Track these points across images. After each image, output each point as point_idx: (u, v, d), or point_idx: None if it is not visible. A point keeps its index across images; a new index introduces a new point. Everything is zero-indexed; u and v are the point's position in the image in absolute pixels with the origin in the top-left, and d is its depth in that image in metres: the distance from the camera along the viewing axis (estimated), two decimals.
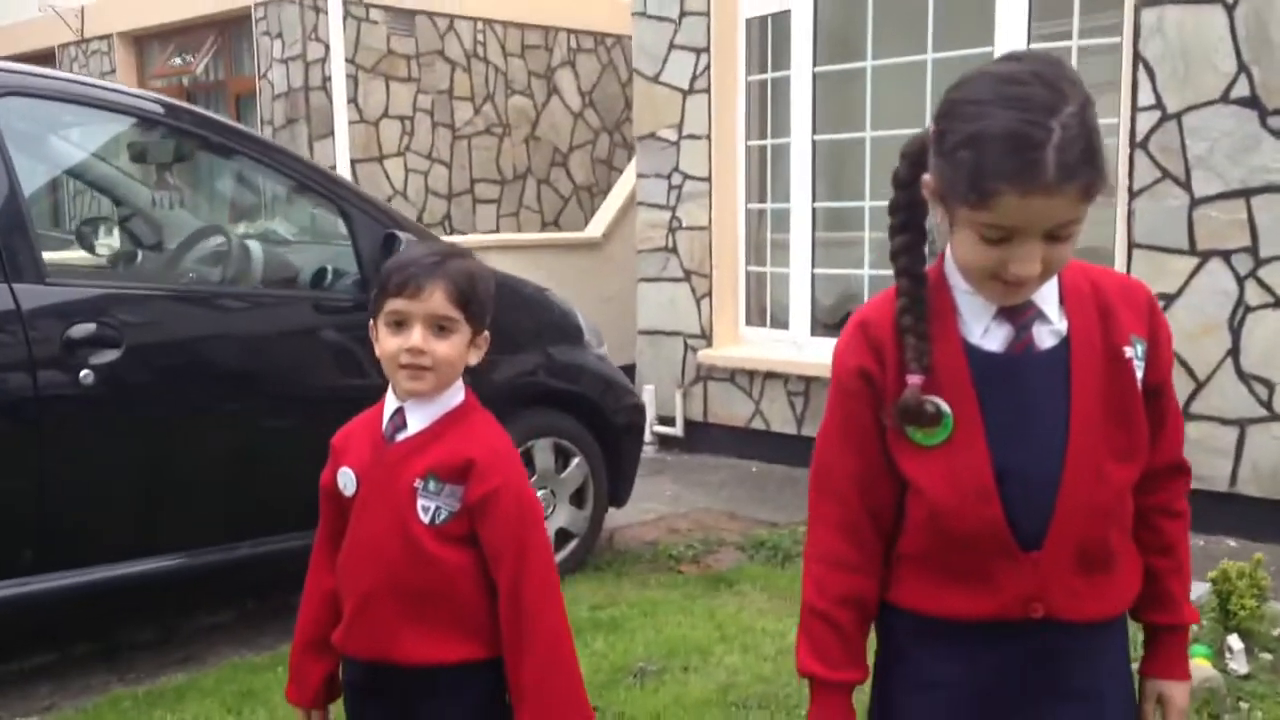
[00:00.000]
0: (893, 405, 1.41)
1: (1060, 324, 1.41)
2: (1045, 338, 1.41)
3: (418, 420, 1.79)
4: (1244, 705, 3.05)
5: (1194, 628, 3.44)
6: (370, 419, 1.86)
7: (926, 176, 1.37)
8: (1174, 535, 1.55)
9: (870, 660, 1.55)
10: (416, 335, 1.72)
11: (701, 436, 6.60)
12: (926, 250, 1.45)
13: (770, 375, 6.18)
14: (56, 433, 3.15)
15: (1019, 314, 1.40)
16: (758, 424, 6.28)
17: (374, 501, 1.79)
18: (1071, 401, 1.39)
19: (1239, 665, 3.25)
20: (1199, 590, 3.65)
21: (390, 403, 1.82)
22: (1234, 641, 3.28)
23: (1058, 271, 1.36)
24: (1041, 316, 1.40)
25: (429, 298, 1.72)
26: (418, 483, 1.76)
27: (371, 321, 1.80)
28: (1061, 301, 1.42)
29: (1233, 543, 4.56)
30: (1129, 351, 1.42)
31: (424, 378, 1.75)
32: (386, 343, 1.75)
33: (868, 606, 1.50)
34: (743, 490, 5.69)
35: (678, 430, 6.67)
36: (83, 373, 3.14)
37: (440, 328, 1.74)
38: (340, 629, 1.85)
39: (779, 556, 4.48)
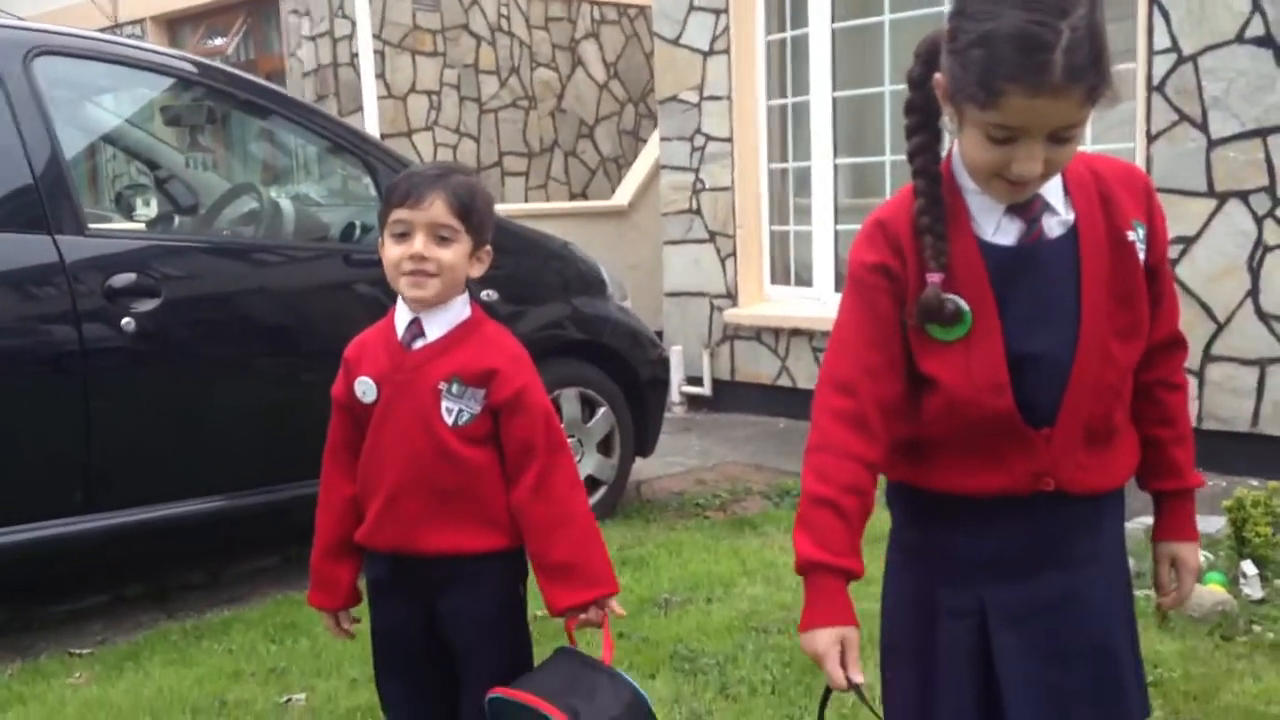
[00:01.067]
0: (914, 303, 1.45)
1: (1067, 214, 1.46)
2: (1054, 228, 1.45)
3: (436, 328, 1.90)
4: (1257, 628, 3.10)
5: (1209, 555, 3.55)
6: (383, 330, 1.95)
7: (938, 75, 1.40)
8: (1175, 406, 1.61)
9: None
10: (419, 242, 1.82)
11: (729, 395, 6.69)
12: (942, 150, 1.48)
13: (795, 333, 6.25)
14: (100, 378, 3.28)
15: (1028, 209, 1.44)
16: (784, 381, 6.35)
17: (397, 405, 1.89)
18: (1082, 286, 1.44)
19: (1253, 590, 3.30)
20: (1217, 523, 3.70)
21: (402, 313, 1.92)
22: (1248, 567, 3.34)
23: (1059, 171, 1.40)
24: (1049, 208, 1.45)
25: (430, 207, 1.82)
26: (441, 385, 1.86)
27: (380, 238, 1.91)
28: (1066, 192, 1.46)
29: (1255, 482, 4.56)
30: (1131, 235, 1.47)
31: (426, 284, 1.85)
32: (391, 251, 1.86)
33: (868, 499, 1.51)
34: (770, 445, 5.78)
35: (706, 390, 6.76)
36: (124, 320, 3.27)
37: (442, 237, 1.84)
38: (365, 526, 1.94)
39: None
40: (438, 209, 1.83)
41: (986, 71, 1.30)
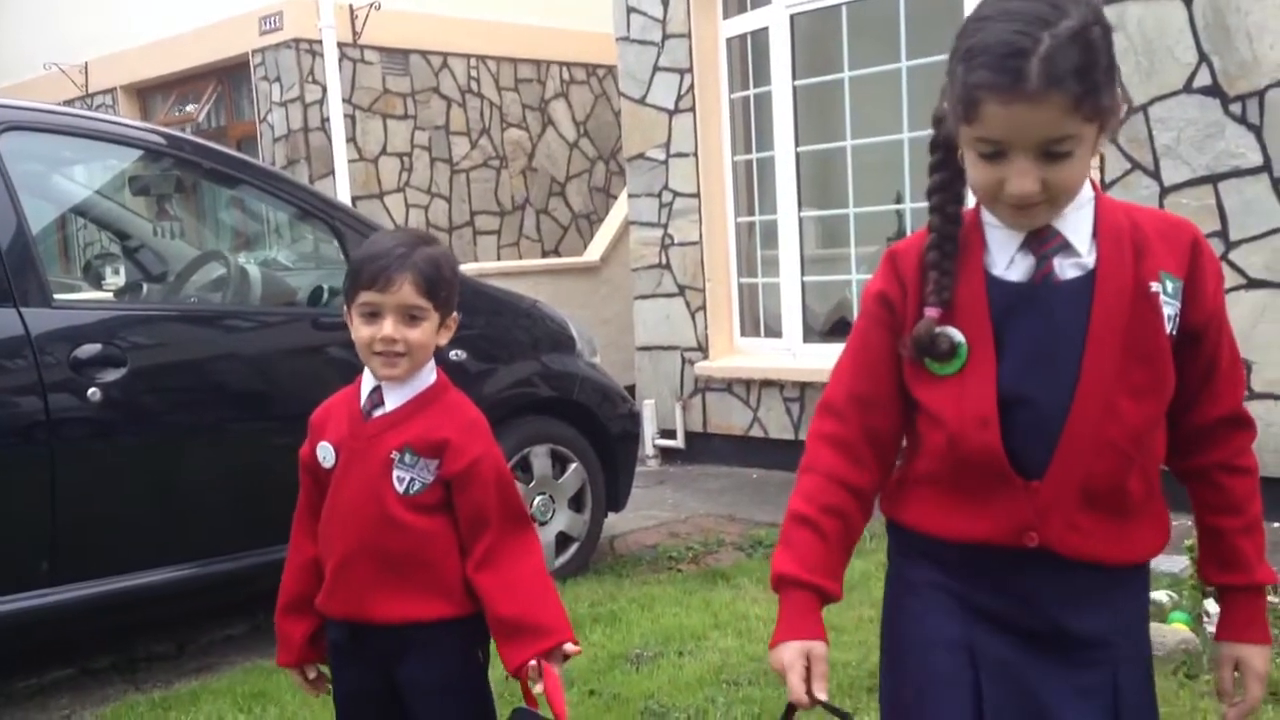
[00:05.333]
0: (909, 336, 1.43)
1: (1089, 257, 1.38)
2: (1068, 270, 1.39)
3: (395, 398, 1.92)
4: None
5: (1172, 594, 3.58)
6: (348, 397, 1.98)
7: (945, 105, 1.36)
8: (1241, 492, 1.49)
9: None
10: (389, 325, 1.85)
11: (702, 447, 6.72)
12: (964, 188, 1.45)
13: (766, 383, 6.30)
14: (66, 448, 3.28)
15: (1042, 243, 1.38)
16: (756, 432, 6.39)
17: (351, 472, 1.92)
18: (1089, 333, 1.36)
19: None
20: (1180, 563, 3.74)
21: (367, 382, 1.95)
22: (1211, 606, 3.37)
23: (1063, 195, 1.33)
24: (1068, 248, 1.38)
25: (399, 290, 1.84)
26: (394, 455, 1.89)
27: (346, 308, 1.94)
28: (1095, 237, 1.39)
29: None
30: (1155, 287, 1.38)
31: (398, 364, 1.88)
32: (361, 331, 1.88)
33: (852, 525, 1.47)
34: (743, 495, 5.80)
35: (679, 442, 6.79)
36: (90, 390, 3.28)
37: (411, 316, 1.86)
38: (322, 592, 1.97)
39: None
40: (406, 291, 1.84)
41: (966, 85, 1.28)
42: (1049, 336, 1.38)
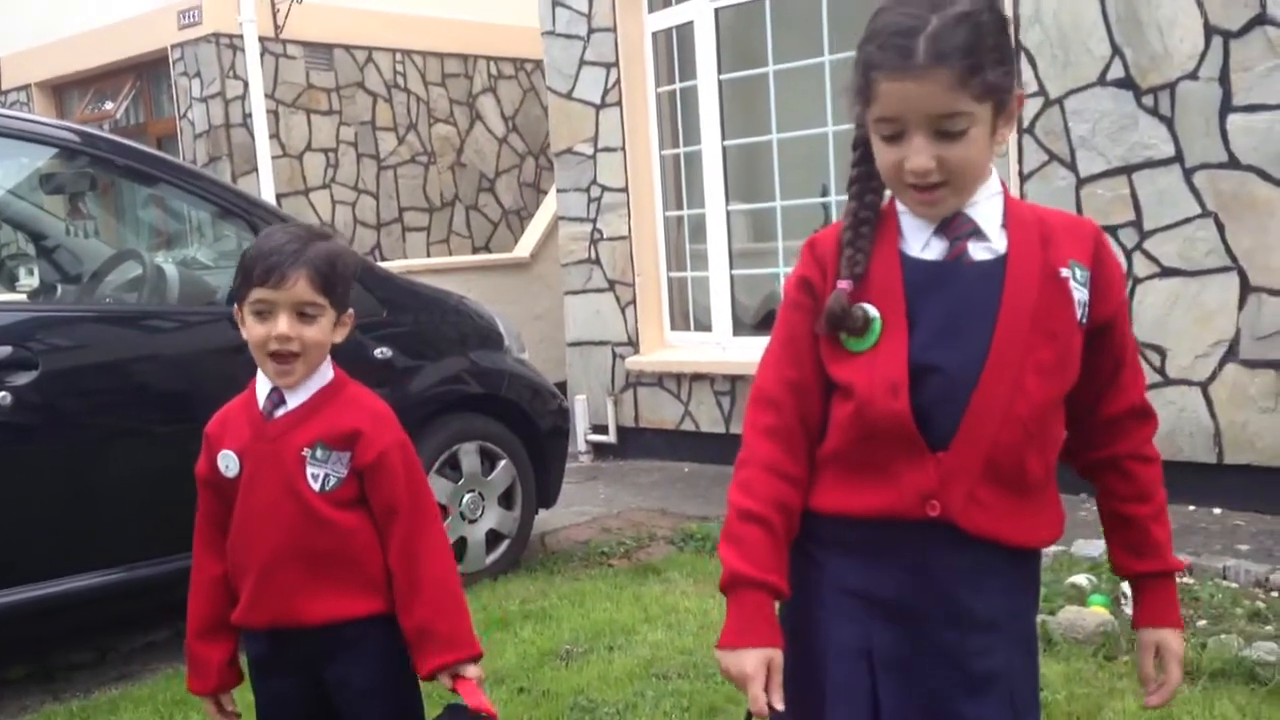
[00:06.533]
0: (823, 310, 1.45)
1: (999, 244, 1.43)
2: (980, 252, 1.43)
3: (296, 396, 1.88)
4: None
5: (1091, 578, 3.66)
6: (245, 401, 1.92)
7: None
8: (1149, 480, 1.55)
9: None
10: (283, 323, 1.80)
11: (634, 442, 6.73)
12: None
13: (697, 377, 6.32)
14: None
15: (954, 228, 1.44)
16: (688, 425, 6.41)
17: (261, 475, 1.87)
18: (1000, 310, 1.41)
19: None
20: (1099, 546, 3.82)
21: (263, 384, 1.89)
22: (1129, 588, 3.44)
23: (962, 178, 1.38)
24: (978, 234, 1.43)
25: (293, 286, 1.79)
26: (305, 451, 1.85)
27: (236, 306, 1.87)
28: (1004, 226, 1.45)
29: None
30: (1065, 272, 1.43)
31: (294, 369, 1.83)
32: (254, 330, 1.82)
33: (793, 516, 1.48)
34: (675, 489, 5.82)
35: (611, 437, 6.78)
36: (0, 394, 3.19)
37: (305, 314, 1.81)
38: (241, 605, 1.91)
39: (708, 546, 4.59)
40: (300, 288, 1.80)
41: (862, 68, 1.36)
42: (961, 310, 1.42)
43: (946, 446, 1.41)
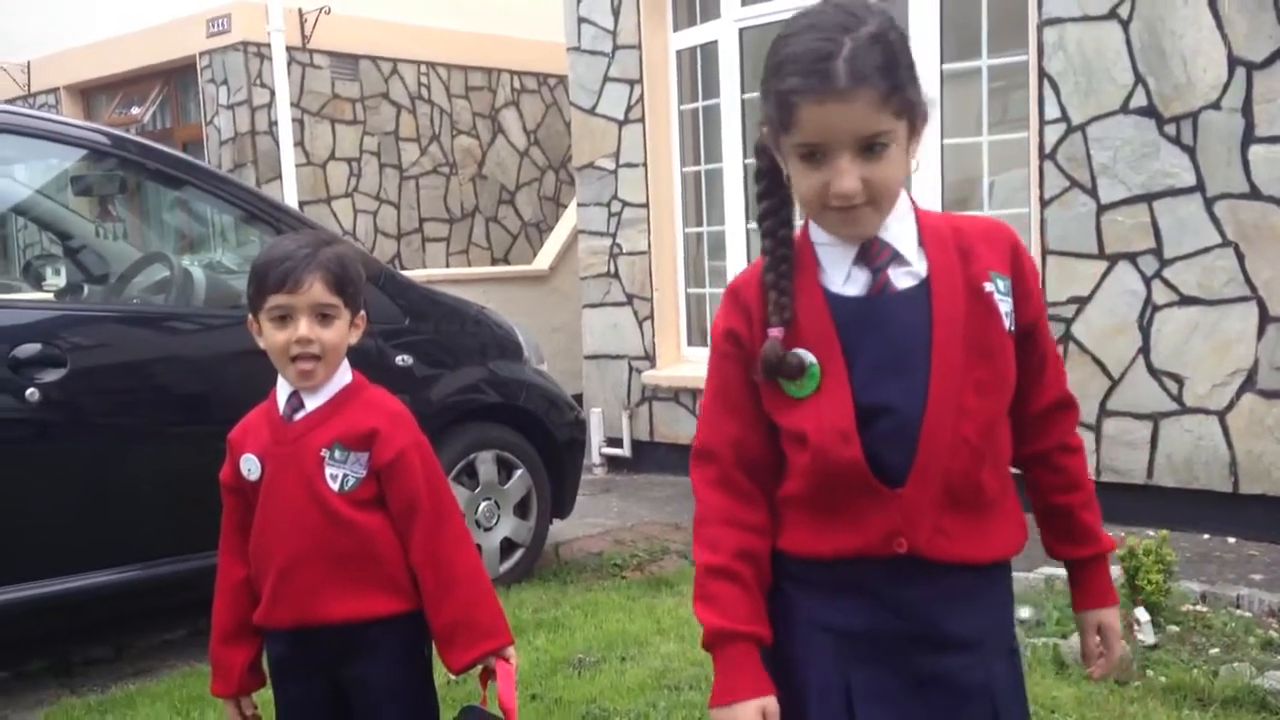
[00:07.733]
0: (758, 360, 1.44)
1: (919, 265, 1.43)
2: (902, 279, 1.43)
3: (315, 399, 1.92)
4: (1150, 672, 3.19)
5: None
6: (265, 410, 1.97)
7: (764, 129, 1.43)
8: (1077, 469, 1.59)
9: None
10: (303, 326, 1.84)
11: (649, 456, 6.75)
12: (792, 213, 1.48)
13: None
14: (3, 449, 3.24)
15: (874, 257, 1.42)
16: None
17: (282, 477, 1.90)
18: (934, 337, 1.40)
19: (1146, 636, 3.41)
20: (1112, 572, 3.82)
21: (283, 389, 1.93)
22: (1141, 613, 3.45)
23: (883, 196, 1.38)
24: (898, 258, 1.43)
25: (309, 289, 1.84)
26: (324, 452, 1.88)
27: (251, 317, 1.91)
28: (921, 245, 1.44)
29: (1151, 533, 4.68)
30: (989, 286, 1.44)
31: (315, 372, 1.87)
32: (273, 336, 1.86)
33: (762, 565, 1.48)
34: (688, 504, 5.78)
35: (625, 451, 6.81)
36: (28, 391, 3.24)
37: (323, 315, 1.86)
38: (262, 606, 1.94)
39: None
40: (317, 290, 1.84)
41: (780, 94, 1.34)
42: (896, 345, 1.42)
43: (903, 483, 1.41)
